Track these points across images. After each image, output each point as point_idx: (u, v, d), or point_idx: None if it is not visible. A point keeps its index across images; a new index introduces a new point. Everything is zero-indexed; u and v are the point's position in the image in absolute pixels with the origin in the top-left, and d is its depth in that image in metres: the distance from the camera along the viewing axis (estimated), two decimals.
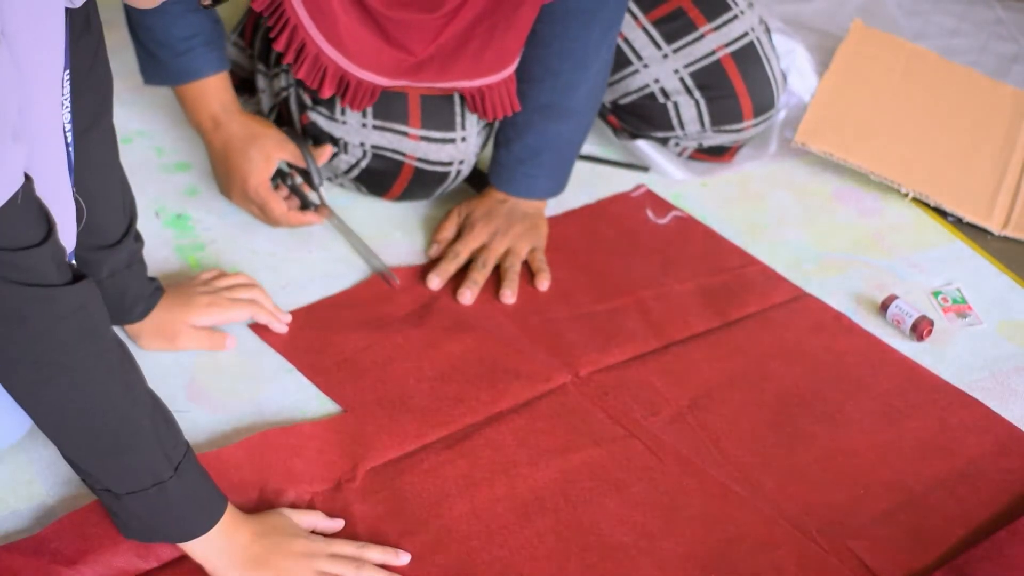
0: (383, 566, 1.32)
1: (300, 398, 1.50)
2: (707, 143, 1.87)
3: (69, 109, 1.16)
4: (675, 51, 1.81)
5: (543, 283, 1.67)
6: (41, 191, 1.11)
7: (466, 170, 1.74)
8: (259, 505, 1.36)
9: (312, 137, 1.71)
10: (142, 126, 1.84)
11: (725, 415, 1.53)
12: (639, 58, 1.82)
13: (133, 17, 1.60)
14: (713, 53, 1.81)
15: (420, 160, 1.70)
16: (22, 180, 1.07)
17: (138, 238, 1.46)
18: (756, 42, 1.82)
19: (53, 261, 1.12)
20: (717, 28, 1.80)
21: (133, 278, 1.46)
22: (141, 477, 1.21)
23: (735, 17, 1.81)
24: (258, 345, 1.56)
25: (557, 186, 1.76)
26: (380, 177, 1.72)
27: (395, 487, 1.40)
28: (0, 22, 1.02)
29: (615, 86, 1.85)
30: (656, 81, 1.83)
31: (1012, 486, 1.48)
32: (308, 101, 1.69)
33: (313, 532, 1.34)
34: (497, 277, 1.67)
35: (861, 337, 1.66)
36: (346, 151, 1.70)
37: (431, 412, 1.49)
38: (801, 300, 1.70)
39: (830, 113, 1.95)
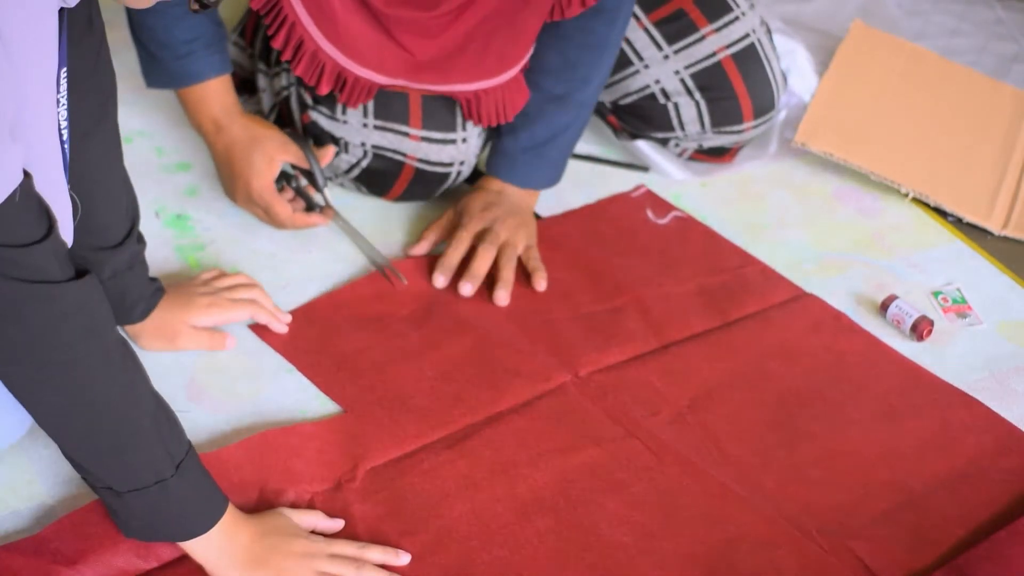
0: (383, 566, 1.32)
1: (300, 398, 1.51)
2: (707, 144, 1.87)
3: (65, 107, 1.16)
4: (676, 52, 1.81)
5: (540, 283, 1.66)
6: (38, 189, 1.11)
7: (466, 171, 1.74)
8: (259, 505, 1.36)
9: (313, 137, 1.71)
10: (142, 126, 1.84)
11: (725, 415, 1.53)
12: (640, 58, 1.82)
13: (134, 19, 1.60)
14: (714, 54, 1.81)
15: (421, 160, 1.70)
16: (21, 177, 1.07)
17: (140, 239, 1.46)
18: (757, 44, 1.82)
19: (55, 257, 1.12)
20: (718, 29, 1.81)
21: (134, 279, 1.46)
22: (143, 475, 1.21)
23: (736, 19, 1.81)
24: (258, 345, 1.56)
25: (553, 179, 1.76)
26: (380, 177, 1.72)
27: (395, 487, 1.40)
28: None
29: (616, 86, 1.85)
30: (657, 82, 1.83)
31: (1012, 486, 1.48)
32: (309, 100, 1.69)
33: (313, 532, 1.34)
34: (491, 276, 1.67)
35: (861, 337, 1.66)
36: (347, 151, 1.70)
37: (431, 412, 1.49)
38: (801, 300, 1.70)
39: (830, 113, 1.95)
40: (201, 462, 1.26)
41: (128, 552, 1.28)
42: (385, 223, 1.75)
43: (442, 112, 1.68)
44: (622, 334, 1.62)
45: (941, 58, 2.12)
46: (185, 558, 1.28)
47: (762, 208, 1.86)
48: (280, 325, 1.58)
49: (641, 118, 1.86)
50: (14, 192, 1.06)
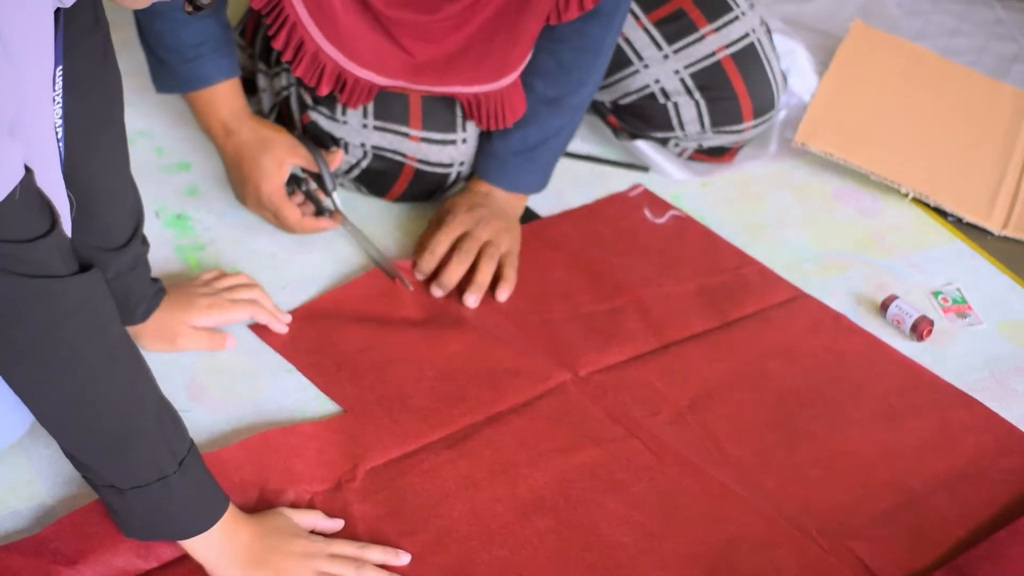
0: (383, 566, 1.32)
1: (300, 398, 1.51)
2: (707, 144, 1.87)
3: (60, 105, 1.17)
4: (676, 52, 1.81)
5: (503, 294, 1.64)
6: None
7: (466, 171, 1.74)
8: (259, 505, 1.36)
9: (313, 137, 1.71)
10: (143, 126, 1.84)
11: (725, 415, 1.53)
12: (640, 58, 1.82)
13: (142, 24, 1.60)
14: (714, 54, 1.81)
15: (420, 161, 1.70)
16: (22, 173, 1.08)
17: (144, 241, 1.46)
18: (757, 43, 1.82)
19: (58, 252, 1.12)
20: (718, 29, 1.81)
21: (137, 280, 1.46)
22: (145, 472, 1.21)
23: (736, 18, 1.81)
24: (258, 345, 1.56)
25: (541, 183, 1.75)
26: (380, 178, 1.72)
27: (395, 487, 1.40)
28: None
29: (615, 86, 1.85)
30: (656, 81, 1.83)
31: (1012, 486, 1.48)
32: (309, 101, 1.69)
33: (313, 532, 1.34)
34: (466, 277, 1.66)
35: (861, 337, 1.66)
36: (347, 151, 1.70)
37: (431, 412, 1.49)
38: (800, 300, 1.70)
39: (830, 113, 1.95)
40: (203, 461, 1.26)
41: (128, 552, 1.28)
42: (385, 223, 1.75)
43: (442, 113, 1.68)
44: (622, 334, 1.62)
45: (941, 58, 2.12)
46: (185, 558, 1.28)
47: (762, 208, 1.86)
48: (280, 325, 1.58)
49: (641, 118, 1.86)
50: (15, 189, 1.06)
